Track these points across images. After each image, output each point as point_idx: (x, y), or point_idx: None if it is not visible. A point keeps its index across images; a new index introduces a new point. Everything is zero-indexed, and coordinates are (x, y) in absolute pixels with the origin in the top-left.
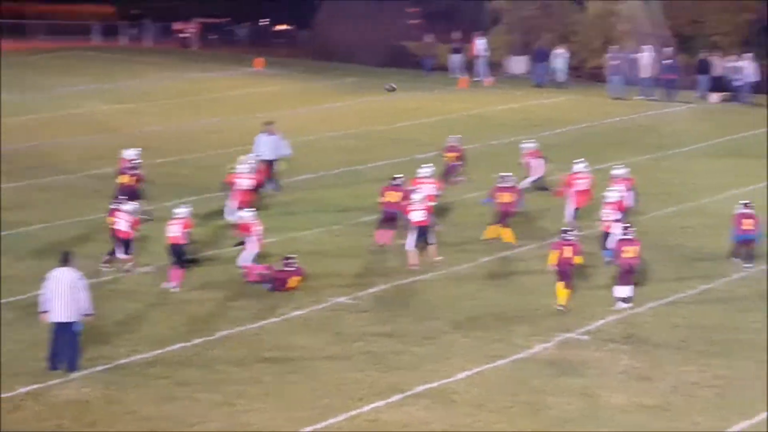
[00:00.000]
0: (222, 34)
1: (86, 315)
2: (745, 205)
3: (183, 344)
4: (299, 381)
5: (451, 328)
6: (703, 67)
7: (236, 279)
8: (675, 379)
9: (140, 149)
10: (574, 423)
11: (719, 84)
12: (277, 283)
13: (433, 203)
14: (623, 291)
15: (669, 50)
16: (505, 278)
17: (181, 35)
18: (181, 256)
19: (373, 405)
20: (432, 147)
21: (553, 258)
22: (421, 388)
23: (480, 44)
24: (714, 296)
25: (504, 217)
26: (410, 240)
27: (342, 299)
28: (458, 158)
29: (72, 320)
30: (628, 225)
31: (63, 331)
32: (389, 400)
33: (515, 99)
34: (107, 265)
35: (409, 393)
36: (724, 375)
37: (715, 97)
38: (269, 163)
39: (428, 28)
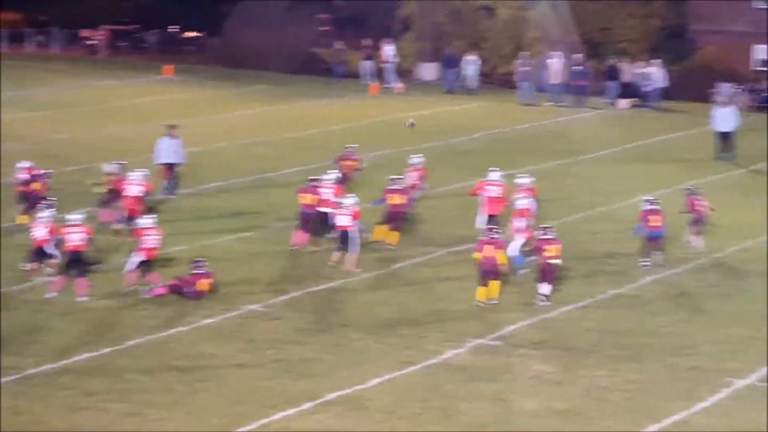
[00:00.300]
0: (131, 41)
1: None
2: (651, 202)
3: (90, 354)
4: (210, 389)
5: (364, 334)
6: (613, 73)
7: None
8: (587, 384)
9: (35, 162)
10: (486, 428)
11: (628, 90)
12: (189, 289)
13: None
14: (544, 288)
15: (579, 56)
16: (416, 284)
17: (89, 42)
18: (84, 263)
19: (285, 413)
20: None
21: (478, 257)
22: (333, 395)
23: (388, 50)
24: (624, 300)
25: (393, 218)
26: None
27: (254, 306)
28: (355, 168)
29: None
30: (548, 226)
31: None
32: (301, 408)
33: (426, 105)
34: (33, 273)
35: (321, 400)
36: (635, 379)
37: (624, 102)
38: (170, 166)
39: (338, 34)
